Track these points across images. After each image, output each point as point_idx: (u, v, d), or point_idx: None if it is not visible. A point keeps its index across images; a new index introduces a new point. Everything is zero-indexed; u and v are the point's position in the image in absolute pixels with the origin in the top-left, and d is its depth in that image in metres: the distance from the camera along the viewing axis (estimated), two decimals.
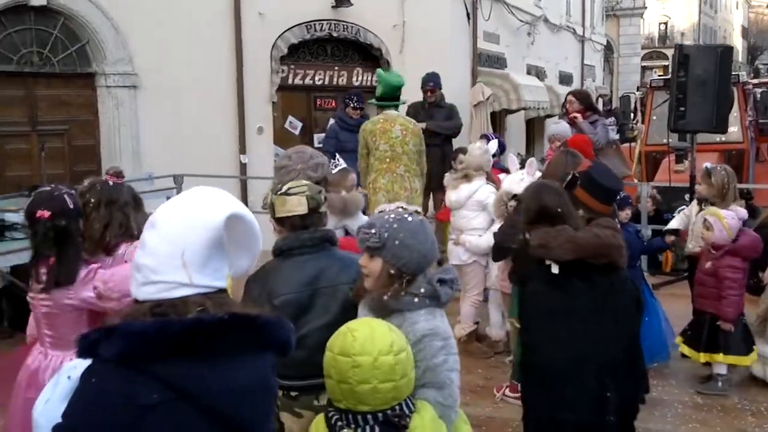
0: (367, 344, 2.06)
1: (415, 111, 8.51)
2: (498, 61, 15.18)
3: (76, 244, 3.03)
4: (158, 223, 1.52)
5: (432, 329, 2.37)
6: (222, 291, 1.54)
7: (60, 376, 1.45)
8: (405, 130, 6.10)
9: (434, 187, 7.67)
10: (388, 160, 6.04)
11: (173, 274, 1.47)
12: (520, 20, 16.14)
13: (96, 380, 1.42)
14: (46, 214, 2.97)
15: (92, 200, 3.23)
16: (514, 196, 4.73)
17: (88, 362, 1.44)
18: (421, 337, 2.32)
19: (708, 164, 5.53)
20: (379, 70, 6.89)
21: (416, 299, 2.42)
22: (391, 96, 6.24)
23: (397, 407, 2.10)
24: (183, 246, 1.48)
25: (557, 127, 6.65)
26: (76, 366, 1.44)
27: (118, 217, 3.24)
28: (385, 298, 2.43)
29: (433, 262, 2.55)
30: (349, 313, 2.60)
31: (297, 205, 2.69)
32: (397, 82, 6.32)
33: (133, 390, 1.40)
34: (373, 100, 6.55)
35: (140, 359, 1.41)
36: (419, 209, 2.64)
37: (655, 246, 5.93)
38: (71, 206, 3.05)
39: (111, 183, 3.44)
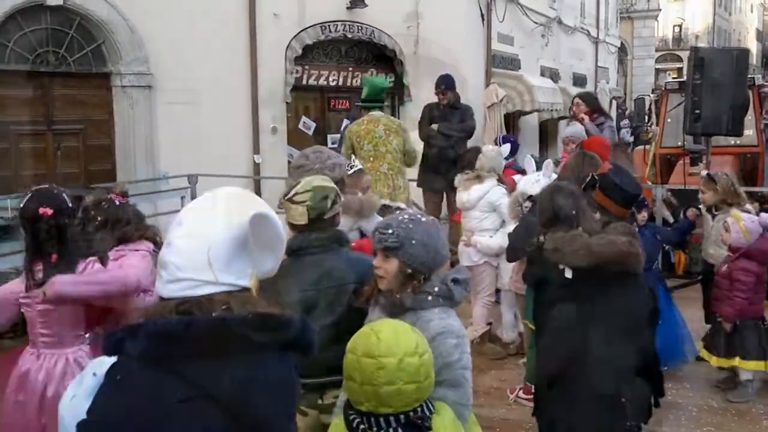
0: (393, 345, 2.06)
1: (429, 112, 8.53)
2: (512, 63, 15.16)
3: (75, 241, 3.09)
4: (185, 221, 1.54)
5: (446, 327, 2.39)
6: (246, 290, 1.56)
7: (86, 373, 1.46)
8: (388, 129, 6.29)
9: (447, 188, 7.69)
10: (372, 159, 6.20)
11: (199, 271, 1.49)
12: (535, 22, 16.10)
13: (121, 378, 1.43)
14: (50, 211, 3.01)
15: (99, 218, 3.32)
16: (529, 197, 4.73)
17: (113, 360, 1.46)
18: (435, 335, 2.34)
19: (706, 172, 5.54)
20: (365, 76, 7.20)
21: (430, 297, 2.45)
22: (375, 98, 6.51)
23: (418, 409, 2.10)
24: (209, 244, 1.49)
25: (572, 128, 6.64)
26: (102, 363, 1.45)
27: (120, 236, 3.37)
28: (399, 296, 2.45)
29: (445, 262, 2.57)
30: (354, 312, 2.63)
31: (298, 216, 2.76)
32: (380, 84, 6.72)
33: (158, 388, 1.41)
34: (359, 103, 6.84)
35: (165, 358, 1.42)
36: (402, 205, 2.68)
37: (685, 228, 5.83)
38: (70, 204, 3.10)
39: (117, 202, 3.50)
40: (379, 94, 6.65)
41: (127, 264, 3.14)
